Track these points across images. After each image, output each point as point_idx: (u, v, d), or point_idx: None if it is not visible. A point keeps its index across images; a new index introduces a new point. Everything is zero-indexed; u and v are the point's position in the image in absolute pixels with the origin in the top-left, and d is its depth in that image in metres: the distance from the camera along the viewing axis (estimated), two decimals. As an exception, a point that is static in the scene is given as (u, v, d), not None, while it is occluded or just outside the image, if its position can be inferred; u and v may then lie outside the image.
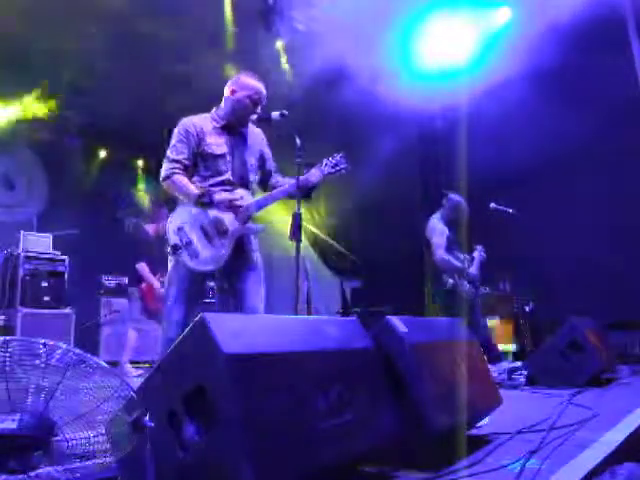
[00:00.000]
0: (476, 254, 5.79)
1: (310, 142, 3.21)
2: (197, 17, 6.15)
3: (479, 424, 2.63)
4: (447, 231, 5.63)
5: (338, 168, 3.15)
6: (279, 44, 6.71)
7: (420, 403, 2.03)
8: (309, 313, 6.72)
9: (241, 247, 3.13)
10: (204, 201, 3.03)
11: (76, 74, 6.91)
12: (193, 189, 3.06)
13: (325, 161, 3.16)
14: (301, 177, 3.07)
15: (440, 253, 5.52)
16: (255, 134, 3.37)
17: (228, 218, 3.07)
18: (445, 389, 2.23)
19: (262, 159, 3.37)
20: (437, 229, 5.65)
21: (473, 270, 5.66)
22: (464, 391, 2.34)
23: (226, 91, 3.24)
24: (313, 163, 3.18)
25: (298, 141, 3.10)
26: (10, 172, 8.54)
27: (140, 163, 9.66)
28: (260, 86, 3.21)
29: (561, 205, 6.94)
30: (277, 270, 7.04)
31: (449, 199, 5.78)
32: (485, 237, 5.83)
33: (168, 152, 3.16)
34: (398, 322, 2.20)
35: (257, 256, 3.21)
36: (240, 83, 3.20)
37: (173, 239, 3.05)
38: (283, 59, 6.79)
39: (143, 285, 6.05)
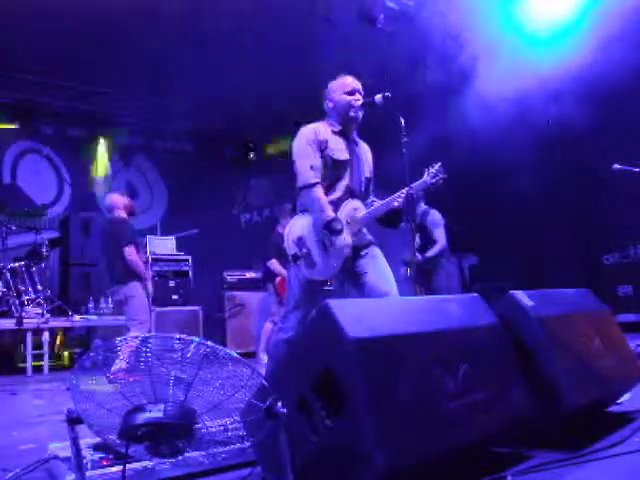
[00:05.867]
0: None
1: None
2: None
3: (619, 400, 2.48)
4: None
5: (438, 178, 3.08)
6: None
7: (553, 380, 1.95)
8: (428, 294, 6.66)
9: (356, 251, 3.12)
10: (335, 228, 2.98)
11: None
12: (329, 211, 3.02)
13: (426, 171, 3.12)
14: (412, 185, 3.04)
15: None
16: (367, 151, 3.41)
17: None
18: (580, 364, 2.11)
19: (369, 177, 3.37)
20: None
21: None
22: (601, 365, 2.21)
23: (326, 104, 3.31)
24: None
25: (402, 121, 3.08)
26: (134, 182, 9.14)
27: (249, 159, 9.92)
28: (348, 78, 3.26)
29: None
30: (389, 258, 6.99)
31: None
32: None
33: (305, 159, 3.13)
34: (523, 296, 2.11)
35: (373, 248, 3.19)
36: (331, 89, 3.28)
37: (293, 249, 3.12)
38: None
39: (277, 279, 6.37)
